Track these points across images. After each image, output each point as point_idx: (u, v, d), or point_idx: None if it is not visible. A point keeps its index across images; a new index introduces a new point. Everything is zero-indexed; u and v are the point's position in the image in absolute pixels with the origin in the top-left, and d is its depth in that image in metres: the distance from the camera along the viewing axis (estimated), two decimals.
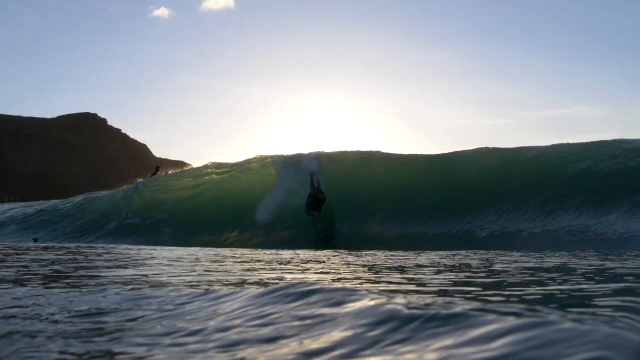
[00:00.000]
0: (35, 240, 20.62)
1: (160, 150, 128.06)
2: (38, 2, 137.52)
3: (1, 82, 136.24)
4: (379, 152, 16.33)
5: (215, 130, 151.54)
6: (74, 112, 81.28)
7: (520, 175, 13.41)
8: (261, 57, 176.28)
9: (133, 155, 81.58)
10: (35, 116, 78.03)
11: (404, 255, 6.95)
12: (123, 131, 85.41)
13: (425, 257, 6.51)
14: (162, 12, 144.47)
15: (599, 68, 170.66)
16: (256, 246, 12.48)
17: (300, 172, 15.44)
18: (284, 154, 17.02)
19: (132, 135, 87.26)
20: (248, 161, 17.58)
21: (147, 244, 12.32)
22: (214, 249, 9.77)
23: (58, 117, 79.71)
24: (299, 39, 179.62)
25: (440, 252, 7.73)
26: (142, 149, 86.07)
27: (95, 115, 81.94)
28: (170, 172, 22.97)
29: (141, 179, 20.07)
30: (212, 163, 18.55)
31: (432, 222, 13.33)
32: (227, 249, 10.31)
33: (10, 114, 76.73)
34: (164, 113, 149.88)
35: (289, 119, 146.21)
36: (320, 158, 15.65)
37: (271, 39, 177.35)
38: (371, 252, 8.10)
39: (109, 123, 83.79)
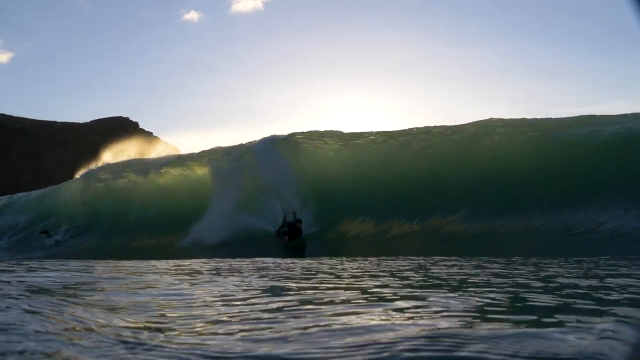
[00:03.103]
0: (47, 233, 19.51)
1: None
2: (72, 10, 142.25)
3: (38, 87, 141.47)
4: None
5: (246, 132, 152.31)
6: (107, 116, 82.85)
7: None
8: (291, 59, 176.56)
9: None
10: (69, 121, 79.88)
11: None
12: (155, 134, 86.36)
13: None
14: (192, 15, 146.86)
15: (635, 62, 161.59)
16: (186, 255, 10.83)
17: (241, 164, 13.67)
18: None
19: (164, 138, 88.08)
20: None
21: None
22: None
23: (91, 121, 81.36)
24: (329, 40, 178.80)
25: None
26: (173, 152, 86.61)
27: (127, 119, 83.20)
28: None
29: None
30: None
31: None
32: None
33: (46, 119, 78.84)
34: (195, 116, 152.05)
35: (320, 119, 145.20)
36: (276, 143, 13.92)
37: (300, 41, 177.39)
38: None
39: (141, 127, 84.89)
